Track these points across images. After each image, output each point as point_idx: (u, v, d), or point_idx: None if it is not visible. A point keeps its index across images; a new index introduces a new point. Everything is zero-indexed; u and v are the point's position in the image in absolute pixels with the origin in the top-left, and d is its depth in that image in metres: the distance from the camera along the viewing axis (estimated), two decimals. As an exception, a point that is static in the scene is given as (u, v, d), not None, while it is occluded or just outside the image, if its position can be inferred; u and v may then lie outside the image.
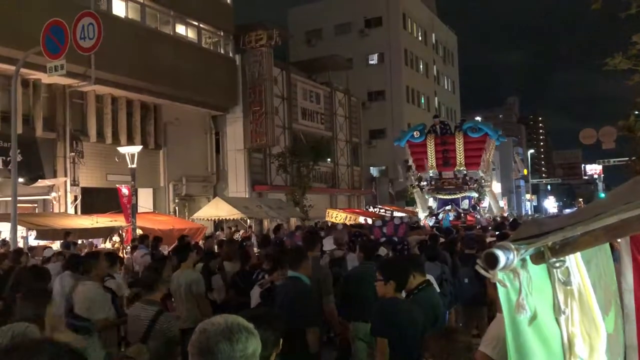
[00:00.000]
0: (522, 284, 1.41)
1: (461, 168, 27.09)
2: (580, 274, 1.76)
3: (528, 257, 1.53)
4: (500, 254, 1.32)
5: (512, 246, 1.37)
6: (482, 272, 1.34)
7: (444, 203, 27.00)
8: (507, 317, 1.43)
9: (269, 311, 3.23)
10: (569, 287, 1.65)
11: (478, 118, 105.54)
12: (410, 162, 28.20)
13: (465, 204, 27.13)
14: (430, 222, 24.14)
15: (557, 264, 1.59)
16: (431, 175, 27.50)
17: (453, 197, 26.83)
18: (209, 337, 1.84)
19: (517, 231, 1.68)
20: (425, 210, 26.97)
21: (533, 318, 1.47)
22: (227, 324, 1.87)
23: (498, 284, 1.40)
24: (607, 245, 2.15)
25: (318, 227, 20.53)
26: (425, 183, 27.52)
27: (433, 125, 27.76)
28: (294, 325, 4.55)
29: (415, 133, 27.68)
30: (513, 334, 1.45)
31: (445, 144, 27.00)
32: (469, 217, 25.45)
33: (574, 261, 1.73)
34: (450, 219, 24.80)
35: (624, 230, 1.51)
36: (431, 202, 27.39)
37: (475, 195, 27.52)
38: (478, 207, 26.87)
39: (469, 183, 27.18)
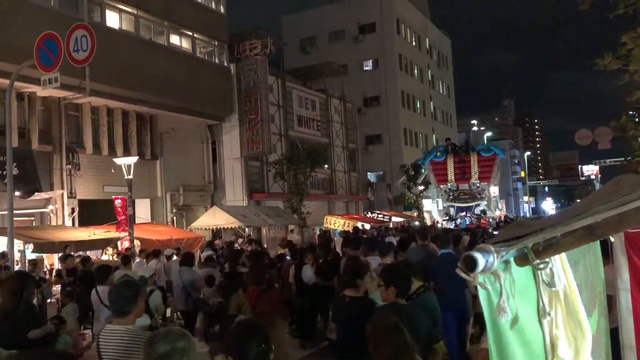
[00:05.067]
0: (503, 286, 1.41)
1: (475, 181, 33.11)
2: (566, 275, 1.76)
3: (512, 259, 1.53)
4: (479, 256, 1.32)
5: (492, 249, 1.37)
6: (463, 275, 1.34)
7: (460, 210, 32.97)
8: (488, 319, 1.43)
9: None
10: (553, 289, 1.65)
11: (474, 121, 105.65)
12: (432, 177, 34.54)
13: (477, 210, 33.11)
14: (451, 225, 28.34)
15: (541, 266, 1.59)
16: (449, 187, 33.49)
17: (468, 205, 32.72)
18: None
19: (500, 233, 1.68)
20: (442, 215, 34.04)
21: (515, 321, 1.47)
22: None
23: (479, 287, 1.41)
24: (596, 247, 2.15)
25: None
26: (444, 193, 33.97)
27: (446, 146, 34.38)
28: None
29: (437, 153, 34.36)
30: (494, 336, 1.45)
31: (462, 162, 33.25)
32: (482, 221, 30.12)
33: (559, 263, 1.73)
34: (467, 222, 29.50)
35: (604, 230, 1.51)
36: (450, 210, 33.66)
37: (485, 202, 33.48)
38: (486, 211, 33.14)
39: (481, 193, 33.24)
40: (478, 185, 33.37)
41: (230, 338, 2.84)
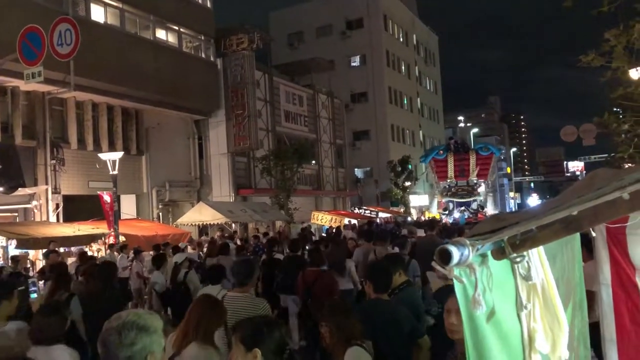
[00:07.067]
0: (479, 279, 1.42)
1: (473, 178, 35.34)
2: (544, 269, 1.77)
3: (489, 253, 1.54)
4: (453, 250, 1.33)
5: (467, 242, 1.38)
6: (438, 268, 1.35)
7: (458, 205, 35.57)
8: (464, 313, 1.44)
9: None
10: (530, 283, 1.66)
11: (460, 117, 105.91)
12: (433, 174, 37.05)
13: (474, 205, 35.39)
14: (450, 219, 30.89)
15: (518, 259, 1.60)
16: (449, 183, 35.80)
17: (465, 200, 35.20)
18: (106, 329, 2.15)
19: (477, 227, 1.69)
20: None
21: (492, 314, 1.47)
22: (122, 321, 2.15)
23: (455, 280, 1.41)
24: (575, 242, 2.16)
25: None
26: (444, 189, 36.24)
27: (448, 144, 37.20)
28: None
29: (440, 152, 37.02)
30: (470, 329, 1.46)
31: (461, 160, 35.70)
32: (479, 215, 32.34)
33: (537, 256, 1.74)
34: (466, 217, 31.77)
35: (580, 223, 1.52)
36: (449, 205, 36.04)
37: (481, 198, 36.16)
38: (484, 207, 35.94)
39: (477, 189, 35.67)
40: (475, 181, 35.69)
41: (250, 328, 2.85)
